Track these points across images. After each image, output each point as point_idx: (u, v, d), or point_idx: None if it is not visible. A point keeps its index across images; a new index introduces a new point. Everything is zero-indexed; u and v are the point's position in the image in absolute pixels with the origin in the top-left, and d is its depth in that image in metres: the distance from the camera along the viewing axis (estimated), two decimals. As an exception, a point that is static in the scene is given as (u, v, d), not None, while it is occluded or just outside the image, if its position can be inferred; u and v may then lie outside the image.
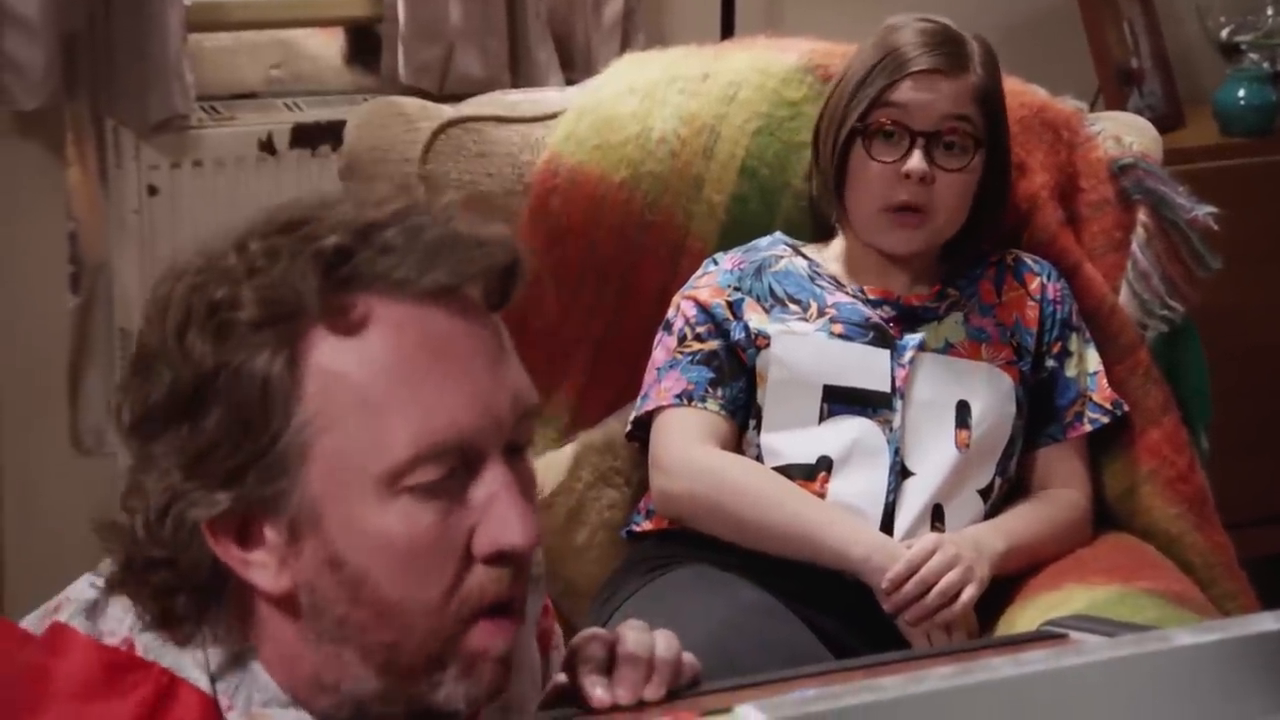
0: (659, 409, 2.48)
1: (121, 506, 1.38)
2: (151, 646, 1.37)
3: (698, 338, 2.49)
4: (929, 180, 2.43)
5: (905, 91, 2.44)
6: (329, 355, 1.34)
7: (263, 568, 1.36)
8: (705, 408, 2.46)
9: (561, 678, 1.52)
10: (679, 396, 2.46)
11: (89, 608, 1.39)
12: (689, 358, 2.48)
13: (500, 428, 1.36)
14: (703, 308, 2.49)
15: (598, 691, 1.46)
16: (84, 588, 1.41)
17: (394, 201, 1.39)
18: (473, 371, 1.36)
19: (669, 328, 2.52)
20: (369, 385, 1.33)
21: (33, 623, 1.41)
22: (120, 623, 1.38)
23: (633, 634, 1.51)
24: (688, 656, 1.51)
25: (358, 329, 1.34)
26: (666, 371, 2.49)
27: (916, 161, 2.43)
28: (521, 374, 1.40)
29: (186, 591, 1.37)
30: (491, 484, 1.36)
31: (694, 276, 2.54)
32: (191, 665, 1.37)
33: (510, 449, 1.38)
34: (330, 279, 1.34)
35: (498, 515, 1.35)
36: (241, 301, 1.33)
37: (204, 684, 1.37)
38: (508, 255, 1.39)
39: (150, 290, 1.38)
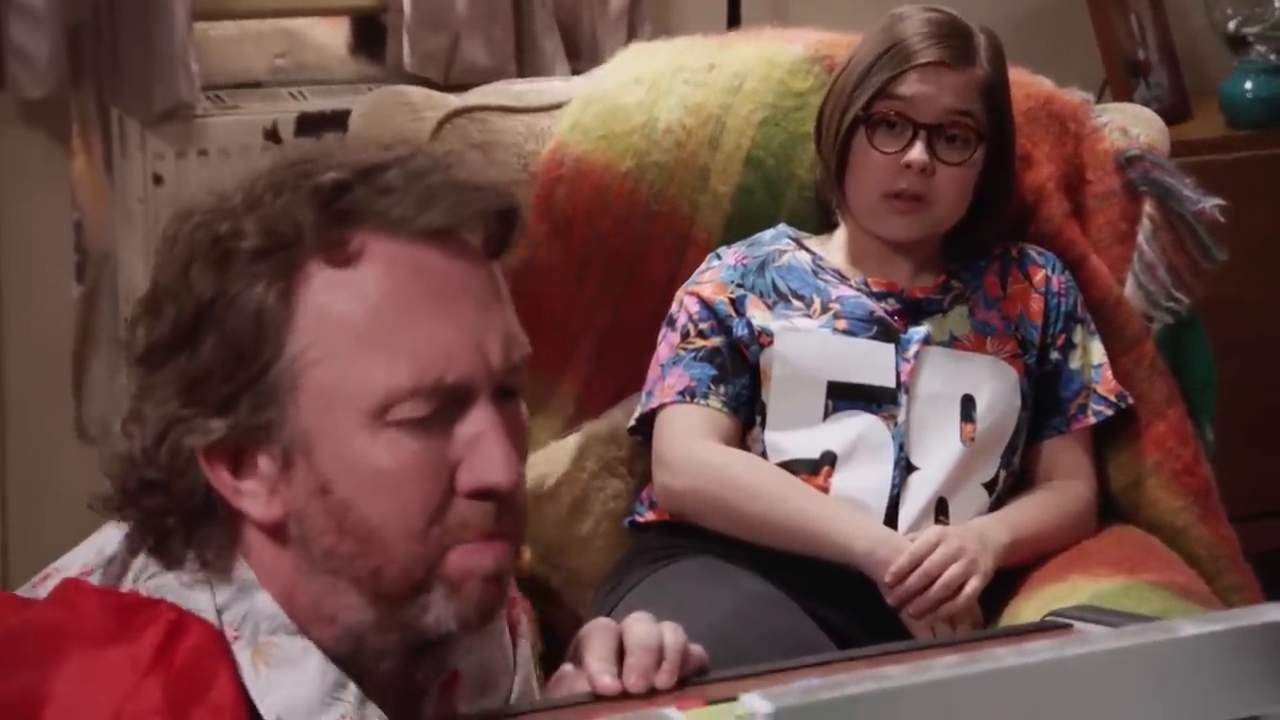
0: (662, 406, 2.48)
1: (121, 432, 1.40)
2: (157, 588, 1.39)
3: (700, 334, 2.48)
4: (929, 172, 2.43)
5: (910, 84, 2.44)
6: (322, 289, 1.36)
7: (254, 496, 1.38)
8: (708, 404, 2.45)
9: (568, 668, 1.52)
10: (681, 393, 2.46)
11: (106, 564, 1.42)
12: (692, 354, 2.48)
13: (490, 369, 1.37)
14: (705, 304, 2.49)
15: (606, 679, 1.47)
16: (105, 540, 1.43)
17: (399, 148, 1.41)
18: (465, 311, 1.37)
19: (672, 323, 2.52)
20: (360, 320, 1.35)
21: (25, 593, 1.43)
22: (128, 575, 1.40)
23: (640, 625, 1.51)
24: (695, 648, 1.52)
25: (352, 263, 1.36)
26: (670, 368, 2.48)
27: (918, 153, 2.42)
28: (514, 321, 1.41)
29: (177, 514, 1.39)
30: (479, 423, 1.37)
31: (697, 271, 2.54)
32: (198, 599, 1.38)
33: (501, 392, 1.39)
34: (327, 213, 1.36)
35: (481, 452, 1.36)
36: (243, 232, 1.36)
37: (210, 616, 1.38)
38: (505, 201, 1.41)
39: (161, 229, 1.41)
